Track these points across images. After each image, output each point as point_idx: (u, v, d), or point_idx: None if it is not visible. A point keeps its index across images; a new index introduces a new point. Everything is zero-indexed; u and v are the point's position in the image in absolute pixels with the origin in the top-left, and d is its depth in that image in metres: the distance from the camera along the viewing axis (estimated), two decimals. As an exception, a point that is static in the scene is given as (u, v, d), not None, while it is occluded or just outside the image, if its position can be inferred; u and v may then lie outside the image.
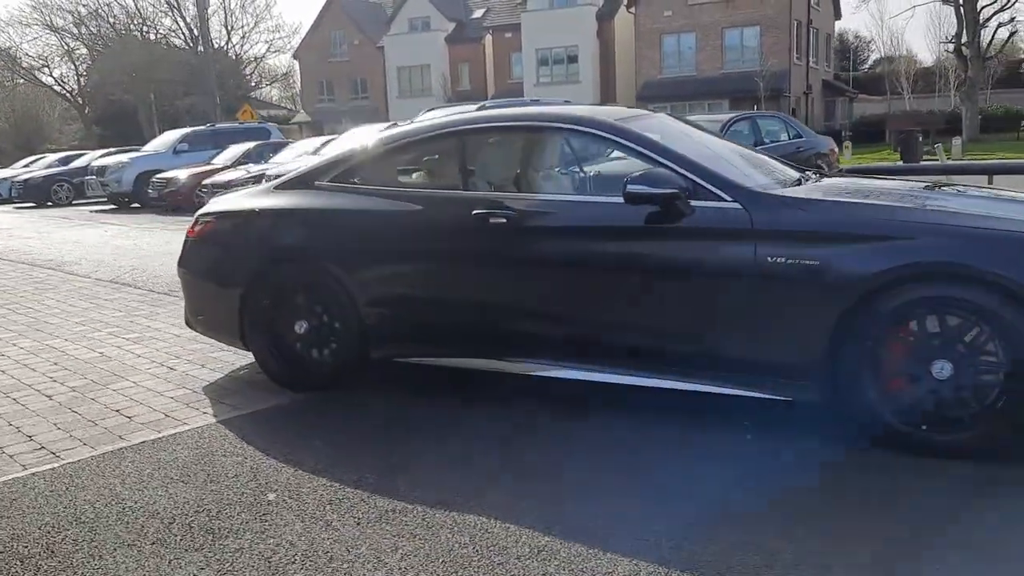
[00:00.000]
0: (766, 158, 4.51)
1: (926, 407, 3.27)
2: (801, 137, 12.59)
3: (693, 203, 3.57)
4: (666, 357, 3.69)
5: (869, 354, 3.30)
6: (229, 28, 54.15)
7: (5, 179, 25.55)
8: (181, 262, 4.91)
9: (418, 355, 4.26)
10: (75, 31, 50.57)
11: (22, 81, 54.02)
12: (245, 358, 5.08)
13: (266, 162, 16.96)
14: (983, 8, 32.11)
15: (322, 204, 4.38)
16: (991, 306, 3.11)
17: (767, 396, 3.50)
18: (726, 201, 3.55)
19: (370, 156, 4.47)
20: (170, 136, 22.03)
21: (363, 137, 15.42)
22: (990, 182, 11.01)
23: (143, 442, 3.86)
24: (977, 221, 3.30)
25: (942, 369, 3.22)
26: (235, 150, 18.93)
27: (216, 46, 47.22)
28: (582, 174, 4.44)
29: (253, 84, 56.89)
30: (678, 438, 3.62)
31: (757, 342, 3.49)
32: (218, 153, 19.44)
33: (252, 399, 4.39)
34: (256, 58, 56.44)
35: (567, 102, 15.12)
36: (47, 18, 49.74)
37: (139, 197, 19.62)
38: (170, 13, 50.87)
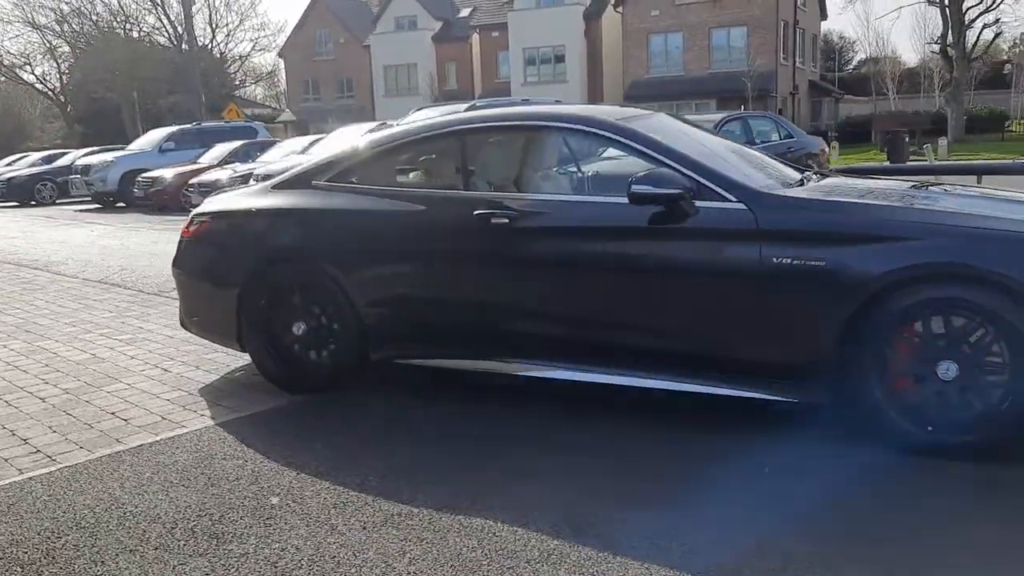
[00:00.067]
0: (767, 158, 4.50)
1: (932, 408, 3.27)
2: (792, 137, 12.63)
3: (698, 203, 3.55)
4: (670, 358, 3.67)
5: (875, 355, 3.30)
6: (214, 26, 53.50)
7: (-12, 178, 25.28)
8: (176, 262, 4.85)
9: (418, 356, 4.22)
10: (57, 28, 50.06)
11: (3, 79, 53.45)
12: (240, 359, 5.04)
13: (253, 161, 16.86)
14: (968, 9, 32.36)
15: (320, 204, 4.34)
16: (997, 307, 3.11)
17: (772, 398, 3.48)
18: (731, 201, 3.53)
19: (369, 155, 4.43)
20: (156, 135, 21.87)
21: (358, 136, 15.30)
22: (979, 182, 11.05)
23: (141, 445, 3.80)
24: (984, 222, 3.30)
25: (948, 370, 3.22)
26: (221, 149, 18.81)
27: (201, 44, 46.87)
28: (585, 174, 4.42)
29: (237, 83, 56.51)
30: (683, 440, 3.60)
31: (762, 343, 3.48)
32: (204, 152, 19.31)
33: (250, 401, 4.35)
34: (241, 56, 56.01)
35: (558, 102, 15.12)
36: (29, 15, 49.21)
37: (124, 196, 19.47)
38: (154, 10, 50.28)
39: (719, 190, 3.57)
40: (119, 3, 49.83)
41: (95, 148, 25.38)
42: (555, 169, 4.45)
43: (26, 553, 2.86)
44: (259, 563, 2.73)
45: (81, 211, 19.66)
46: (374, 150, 4.43)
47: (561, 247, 3.83)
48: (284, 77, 55.21)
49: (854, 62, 61.33)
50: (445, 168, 4.44)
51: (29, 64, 52.94)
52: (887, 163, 18.23)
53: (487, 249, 3.94)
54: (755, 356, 3.51)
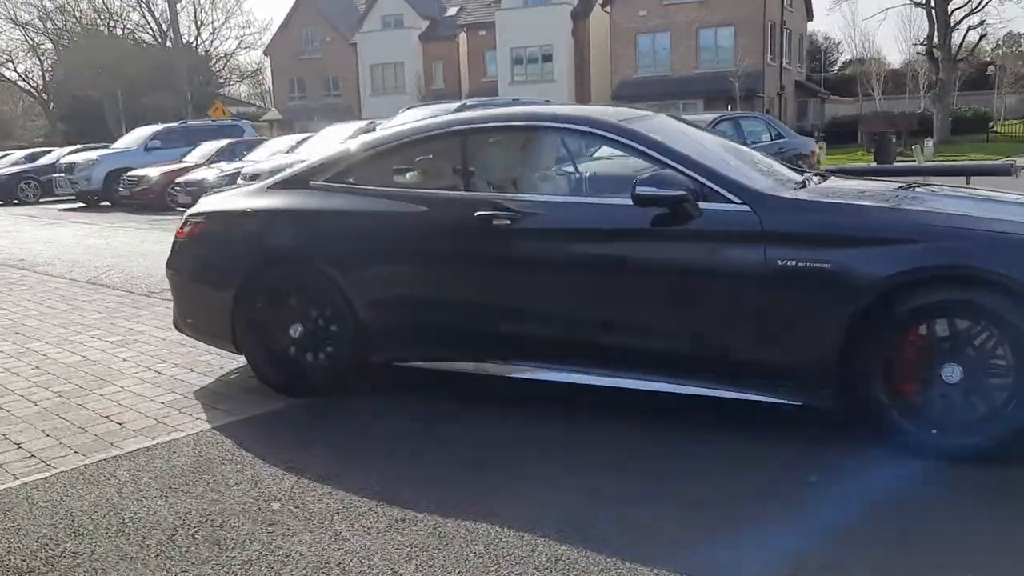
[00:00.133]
0: (768, 160, 4.49)
1: (936, 411, 3.26)
2: (783, 138, 12.67)
3: (701, 205, 3.53)
4: (672, 361, 3.65)
5: (880, 358, 3.29)
6: (199, 23, 53.22)
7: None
8: (170, 263, 4.79)
9: (418, 359, 4.18)
10: (40, 25, 49.63)
11: (-15, 76, 52.97)
12: (234, 362, 4.98)
13: (240, 160, 16.72)
14: (954, 11, 32.58)
15: (318, 204, 4.29)
16: (1001, 310, 3.11)
17: (777, 400, 3.47)
18: (735, 203, 3.51)
19: (367, 156, 4.38)
20: (141, 133, 21.64)
21: (346, 135, 15.08)
22: (968, 183, 11.12)
23: (137, 449, 3.75)
24: (987, 224, 3.30)
25: (952, 373, 3.22)
26: (208, 148, 18.65)
27: (186, 41, 46.59)
28: (587, 175, 4.39)
29: (222, 81, 56.19)
30: (683, 441, 3.58)
31: (766, 346, 3.47)
32: (190, 151, 19.13)
33: (246, 404, 4.29)
34: (226, 54, 55.81)
35: (548, 102, 15.10)
36: (11, 12, 48.81)
37: (109, 195, 19.28)
38: (138, 8, 50.02)
39: (723, 192, 3.55)
40: (103, 0, 49.48)
41: (79, 146, 25.14)
42: (557, 170, 4.42)
43: (24, 561, 2.81)
44: (263, 570, 2.69)
45: (65, 210, 19.46)
46: (373, 150, 4.38)
47: (563, 248, 3.81)
48: (269, 75, 54.96)
49: (839, 63, 61.70)
50: (445, 169, 4.40)
51: (11, 61, 52.53)
52: (875, 164, 18.32)
53: (488, 250, 3.91)
54: (758, 358, 3.50)
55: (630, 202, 3.57)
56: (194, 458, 3.64)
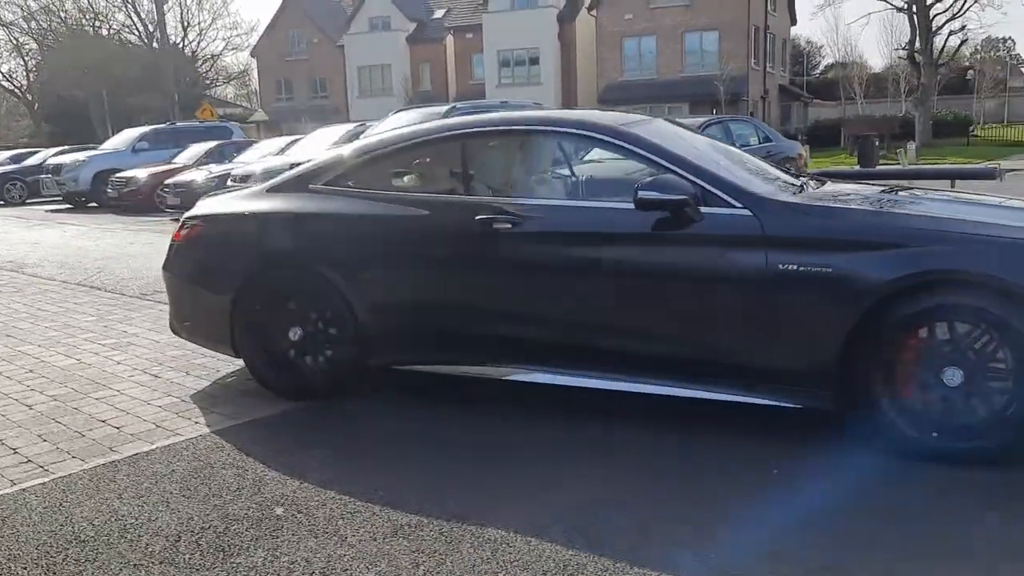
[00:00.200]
0: (765, 164, 4.51)
1: (937, 414, 3.28)
2: (771, 141, 12.73)
3: (703, 210, 3.55)
4: (677, 364, 3.66)
5: (881, 361, 3.31)
6: (185, 24, 52.87)
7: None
8: (166, 266, 4.76)
9: (418, 362, 4.17)
10: (24, 26, 49.21)
11: (-33, 77, 52.45)
12: (230, 365, 4.95)
13: (229, 162, 16.64)
14: (935, 16, 32.84)
15: (318, 208, 4.28)
16: (1002, 313, 3.13)
17: (779, 404, 3.48)
18: (736, 208, 3.53)
19: (367, 159, 4.37)
20: (129, 134, 21.51)
21: (337, 137, 14.97)
22: (952, 187, 11.21)
23: (136, 454, 3.72)
24: (989, 229, 3.32)
25: (953, 376, 3.24)
26: (196, 149, 18.55)
27: (172, 42, 46.30)
28: (588, 179, 4.40)
29: (208, 82, 55.88)
30: (683, 442, 3.59)
31: (768, 349, 3.48)
32: (179, 152, 19.03)
33: (245, 408, 4.27)
34: (213, 55, 55.45)
35: (537, 104, 15.13)
36: (-6, 13, 48.39)
37: (96, 197, 19.15)
38: (124, 8, 49.65)
39: (724, 196, 3.57)
40: (88, 0, 49.12)
41: (66, 147, 24.93)
42: (557, 174, 4.42)
43: (25, 569, 2.78)
44: (270, 576, 2.68)
45: (52, 211, 19.31)
46: (373, 153, 4.37)
47: (564, 252, 3.81)
48: (256, 77, 54.69)
49: (820, 67, 62.06)
50: (446, 172, 4.39)
51: (-5, 61, 52.02)
52: (858, 167, 18.43)
53: (489, 254, 3.90)
54: (759, 362, 3.51)
55: (631, 206, 3.58)
56: (194, 463, 3.61)
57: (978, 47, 53.83)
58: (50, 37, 49.65)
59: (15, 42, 50.38)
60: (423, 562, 2.72)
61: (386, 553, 2.79)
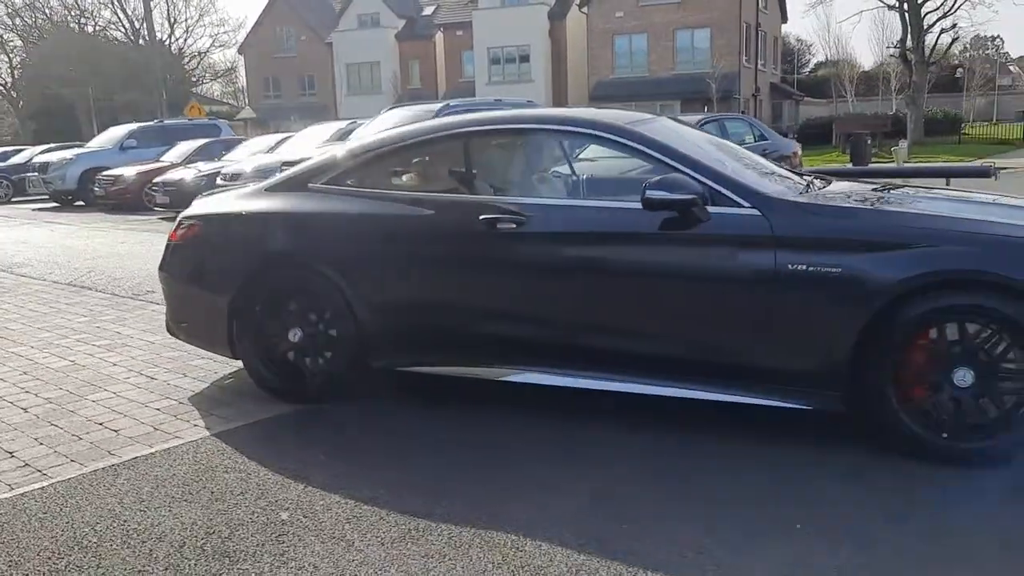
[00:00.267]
0: (771, 164, 4.48)
1: (947, 415, 3.27)
2: (766, 139, 12.73)
3: (711, 209, 3.51)
4: (683, 366, 3.63)
5: (891, 362, 3.29)
6: (172, 21, 52.55)
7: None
8: (163, 266, 4.69)
9: (420, 364, 4.12)
10: (8, 22, 48.79)
11: (-49, 73, 51.93)
12: (228, 366, 4.90)
13: (218, 160, 16.51)
14: (927, 14, 32.92)
15: (318, 207, 4.22)
16: (1013, 314, 3.12)
17: (788, 405, 3.46)
18: (744, 207, 3.50)
19: (368, 158, 4.32)
20: (116, 132, 21.29)
21: (328, 135, 14.85)
22: (948, 184, 11.23)
23: (136, 458, 3.66)
24: (999, 228, 3.30)
25: (964, 376, 3.22)
26: (185, 147, 18.38)
27: (159, 39, 45.97)
28: (592, 178, 4.36)
29: (195, 79, 55.56)
30: (683, 443, 3.56)
31: (777, 350, 3.45)
32: (167, 150, 18.86)
33: (244, 410, 4.21)
34: (200, 52, 55.16)
35: (530, 102, 15.07)
36: (-22, 8, 47.92)
37: (84, 195, 18.96)
38: (110, 5, 49.35)
39: (732, 196, 3.54)
40: (73, -3, 48.73)
41: (53, 145, 24.73)
42: (562, 173, 4.38)
43: (27, 576, 2.73)
44: (277, 583, 2.63)
45: (39, 210, 19.12)
46: (374, 152, 4.32)
47: (569, 252, 3.77)
48: (243, 74, 54.41)
49: (810, 65, 62.27)
50: (450, 171, 4.34)
51: (-22, 58, 51.53)
52: (851, 165, 18.48)
53: (493, 254, 3.86)
54: (768, 363, 3.48)
55: (638, 205, 3.54)
56: (195, 466, 3.56)
57: (967, 45, 54.11)
58: (35, 34, 49.24)
59: (-1, 38, 49.94)
60: (433, 567, 2.68)
61: (395, 559, 2.75)
